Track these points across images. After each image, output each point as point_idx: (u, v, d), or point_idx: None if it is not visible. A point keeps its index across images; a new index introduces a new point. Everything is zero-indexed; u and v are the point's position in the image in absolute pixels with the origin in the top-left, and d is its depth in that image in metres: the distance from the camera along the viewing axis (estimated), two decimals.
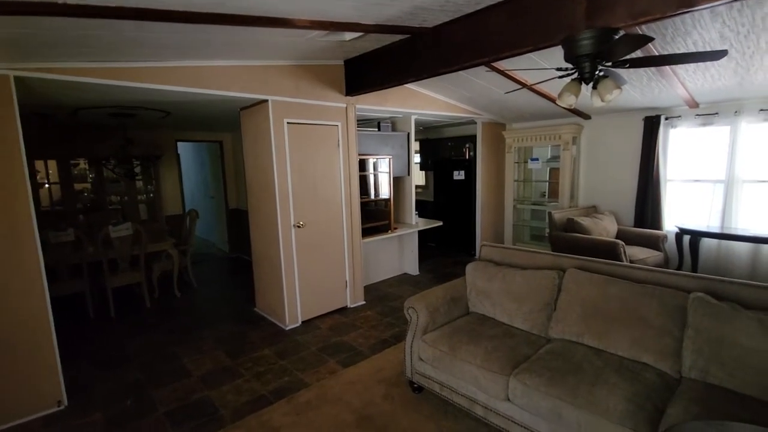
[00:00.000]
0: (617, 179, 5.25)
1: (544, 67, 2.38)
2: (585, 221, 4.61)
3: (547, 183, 6.15)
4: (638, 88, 4.02)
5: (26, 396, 2.51)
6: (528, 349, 2.30)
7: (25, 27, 1.89)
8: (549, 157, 6.03)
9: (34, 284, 2.48)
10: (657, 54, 2.92)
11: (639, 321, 2.11)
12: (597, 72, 2.25)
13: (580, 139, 5.54)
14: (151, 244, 4.55)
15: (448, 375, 2.37)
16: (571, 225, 4.63)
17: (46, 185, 5.15)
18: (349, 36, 2.95)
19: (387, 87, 3.60)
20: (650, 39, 1.71)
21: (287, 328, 3.79)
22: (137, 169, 4.83)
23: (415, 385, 2.66)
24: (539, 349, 2.30)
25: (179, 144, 7.77)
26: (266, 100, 3.48)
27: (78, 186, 5.35)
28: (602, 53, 2.11)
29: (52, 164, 5.15)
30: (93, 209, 5.33)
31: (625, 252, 4.10)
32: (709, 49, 2.74)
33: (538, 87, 4.24)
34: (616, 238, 4.63)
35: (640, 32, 2.57)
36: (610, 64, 2.21)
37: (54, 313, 3.92)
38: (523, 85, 2.87)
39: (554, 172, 5.87)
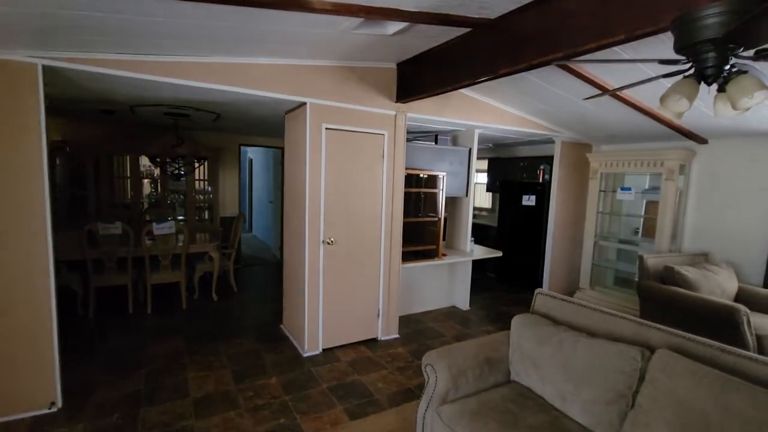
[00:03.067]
0: (741, 222, 4.04)
1: (649, 59, 1.71)
2: (690, 273, 3.56)
3: (642, 218, 5.07)
4: None
5: (19, 393, 2.41)
6: None
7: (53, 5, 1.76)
8: (647, 187, 4.95)
9: (36, 280, 2.39)
10: None
11: None
12: (727, 66, 1.52)
13: (691, 168, 4.43)
14: (193, 244, 4.54)
15: None
16: (669, 275, 3.61)
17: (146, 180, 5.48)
18: (392, 29, 2.53)
19: (439, 92, 3.09)
20: None
21: (305, 355, 3.40)
22: (183, 170, 4.89)
23: None
24: None
25: (254, 148, 8.19)
26: (305, 103, 3.20)
27: (145, 181, 5.64)
28: (737, 36, 1.39)
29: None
30: (155, 205, 5.57)
31: (749, 322, 3.02)
32: None
33: (635, 100, 3.40)
34: (736, 300, 3.50)
35: None
36: (752, 53, 1.46)
37: (96, 303, 4.10)
38: (606, 90, 2.18)
39: (652, 206, 4.78)
